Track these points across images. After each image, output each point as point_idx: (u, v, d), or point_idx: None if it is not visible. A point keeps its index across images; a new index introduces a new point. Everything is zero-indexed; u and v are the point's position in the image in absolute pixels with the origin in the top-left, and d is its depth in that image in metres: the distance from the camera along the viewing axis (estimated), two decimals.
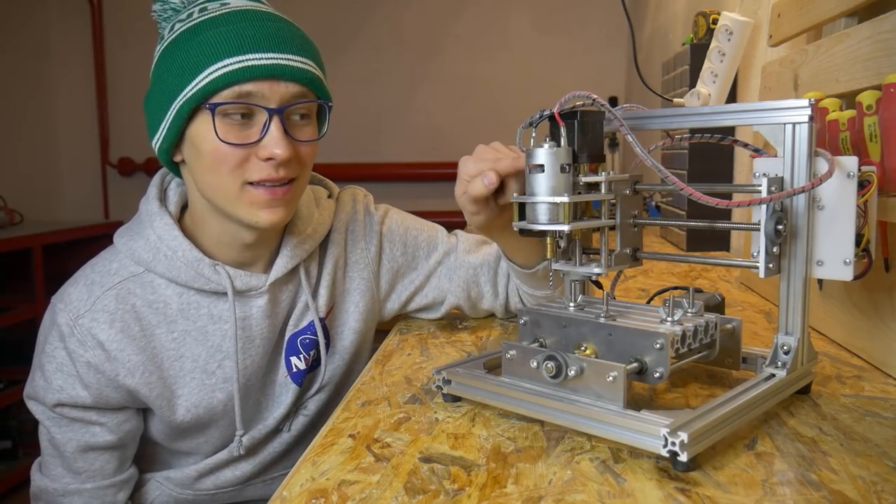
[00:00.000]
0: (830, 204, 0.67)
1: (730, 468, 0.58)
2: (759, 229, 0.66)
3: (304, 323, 0.99)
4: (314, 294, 1.00)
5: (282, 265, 0.95)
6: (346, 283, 1.04)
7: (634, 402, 0.68)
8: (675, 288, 0.85)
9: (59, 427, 0.92)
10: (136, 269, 0.91)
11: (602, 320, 0.68)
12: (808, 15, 1.07)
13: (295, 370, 1.00)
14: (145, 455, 1.02)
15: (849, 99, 0.86)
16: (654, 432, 0.57)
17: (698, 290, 0.75)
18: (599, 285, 0.82)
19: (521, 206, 0.70)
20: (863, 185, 0.68)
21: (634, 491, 0.54)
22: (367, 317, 1.05)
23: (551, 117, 0.68)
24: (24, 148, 3.65)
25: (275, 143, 0.83)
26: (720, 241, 1.72)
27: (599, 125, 0.72)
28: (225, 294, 0.92)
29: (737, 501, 0.52)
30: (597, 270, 0.71)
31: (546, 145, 0.67)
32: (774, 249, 0.67)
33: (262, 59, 0.82)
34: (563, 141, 0.67)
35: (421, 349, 0.96)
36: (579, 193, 0.69)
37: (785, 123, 0.66)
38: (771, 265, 0.67)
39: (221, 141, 0.82)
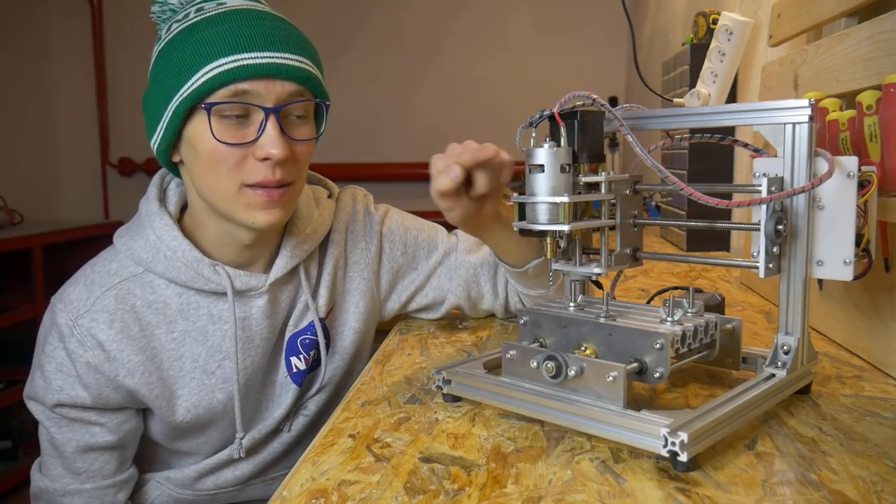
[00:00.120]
0: (830, 204, 0.67)
1: (730, 468, 0.58)
2: (759, 229, 0.66)
3: (304, 323, 0.99)
4: (314, 294, 1.00)
5: (281, 265, 0.95)
6: (347, 283, 1.04)
7: (634, 402, 0.68)
8: (675, 288, 0.85)
9: (58, 427, 0.92)
10: (135, 269, 0.91)
11: (602, 320, 0.68)
12: (808, 15, 1.07)
13: (295, 370, 1.00)
14: (145, 455, 1.02)
15: (849, 99, 0.86)
16: (654, 432, 0.57)
17: (698, 290, 0.75)
18: (599, 285, 0.82)
19: (521, 205, 0.70)
20: (863, 185, 0.68)
21: (634, 491, 0.54)
22: (368, 317, 1.05)
23: (551, 117, 0.68)
24: (24, 148, 3.65)
25: (271, 142, 0.82)
26: (720, 241, 1.72)
27: (599, 125, 0.72)
28: (225, 294, 0.92)
29: (737, 501, 0.52)
30: (597, 270, 0.71)
31: (546, 145, 0.67)
32: (774, 249, 0.67)
33: (258, 57, 0.81)
34: (563, 141, 0.67)
35: (421, 349, 0.96)
36: (579, 193, 0.69)
37: (785, 123, 0.66)
38: (771, 265, 0.67)
39: (218, 140, 0.82)
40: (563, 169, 0.67)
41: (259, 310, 0.94)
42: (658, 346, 0.63)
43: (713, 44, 1.51)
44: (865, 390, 0.76)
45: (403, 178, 3.81)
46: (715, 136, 0.79)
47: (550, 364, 0.65)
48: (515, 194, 0.71)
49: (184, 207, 0.96)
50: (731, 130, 1.30)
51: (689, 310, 0.71)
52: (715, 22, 1.62)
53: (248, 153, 0.83)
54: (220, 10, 0.84)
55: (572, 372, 0.64)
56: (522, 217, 0.70)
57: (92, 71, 3.92)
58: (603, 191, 0.70)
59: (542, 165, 0.67)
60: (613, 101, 2.94)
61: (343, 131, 3.64)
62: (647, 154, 0.66)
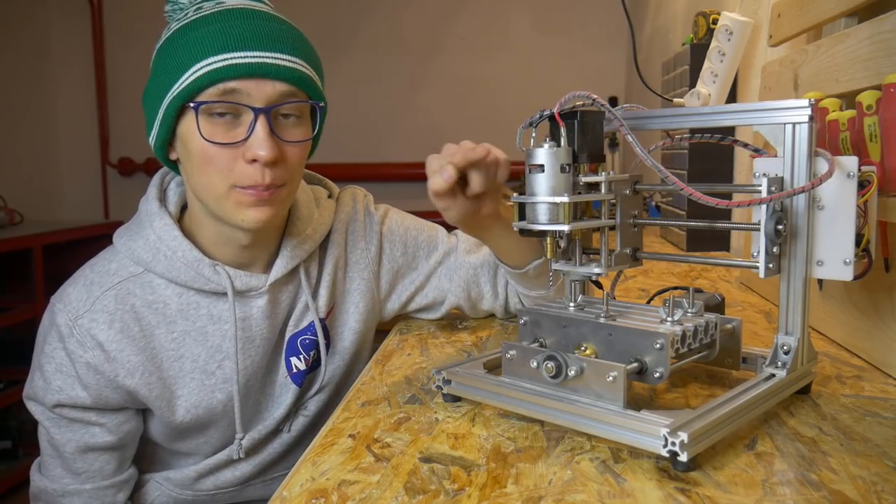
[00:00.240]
0: (830, 204, 0.67)
1: (730, 468, 0.58)
2: (759, 229, 0.66)
3: (305, 323, 0.99)
4: (314, 294, 1.00)
5: (281, 266, 0.95)
6: (347, 283, 1.04)
7: (634, 402, 0.68)
8: (675, 288, 0.85)
9: (58, 427, 0.92)
10: (135, 269, 0.91)
11: (602, 320, 0.68)
12: (808, 15, 1.07)
13: (295, 370, 1.00)
14: (145, 455, 1.02)
15: (849, 99, 0.86)
16: (654, 432, 0.57)
17: (698, 290, 0.75)
18: (599, 285, 0.82)
19: (521, 205, 0.70)
20: (863, 185, 0.68)
21: (634, 491, 0.54)
22: (368, 317, 1.05)
23: (551, 117, 0.68)
24: (24, 148, 3.65)
25: (259, 143, 0.81)
26: (720, 241, 1.72)
27: (599, 125, 0.72)
28: (225, 294, 0.92)
29: (737, 501, 0.52)
30: (597, 270, 0.71)
31: (546, 145, 0.67)
32: (774, 249, 0.67)
33: (248, 57, 0.81)
34: (563, 141, 0.67)
35: (421, 349, 0.96)
36: (579, 193, 0.69)
37: (785, 123, 0.66)
38: (771, 265, 0.67)
39: (206, 140, 0.81)
40: (563, 169, 0.67)
41: (259, 310, 0.94)
42: (658, 346, 0.63)
43: (713, 44, 1.51)
44: (865, 390, 0.76)
45: (403, 178, 3.81)
46: (715, 136, 0.79)
47: (550, 364, 0.65)
48: (515, 194, 0.71)
49: (184, 207, 0.96)
50: (731, 130, 1.30)
51: (689, 310, 0.71)
52: (715, 22, 1.62)
53: (238, 154, 0.83)
54: (216, 9, 0.84)
55: (572, 372, 0.64)
56: (522, 217, 0.70)
57: (92, 71, 3.92)
58: (603, 191, 0.70)
59: (542, 165, 0.67)
60: (613, 101, 2.95)
61: (343, 131, 3.64)
62: (647, 154, 0.66)
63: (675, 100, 1.58)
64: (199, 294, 0.92)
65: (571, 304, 0.73)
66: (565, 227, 0.67)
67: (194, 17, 0.84)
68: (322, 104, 0.89)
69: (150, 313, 0.90)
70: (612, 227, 0.72)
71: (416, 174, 3.80)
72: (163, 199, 0.95)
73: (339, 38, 3.80)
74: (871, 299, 0.84)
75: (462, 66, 3.82)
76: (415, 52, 3.85)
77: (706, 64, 1.51)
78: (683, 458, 0.55)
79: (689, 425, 0.57)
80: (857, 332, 0.88)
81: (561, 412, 0.64)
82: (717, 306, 0.79)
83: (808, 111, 0.65)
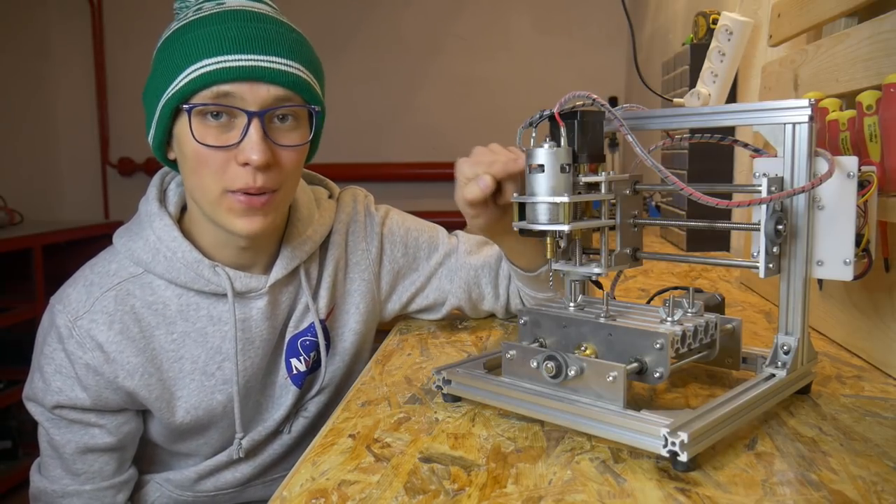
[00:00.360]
0: (830, 204, 0.67)
1: (730, 468, 0.58)
2: (759, 229, 0.66)
3: (305, 324, 0.99)
4: (314, 295, 0.99)
5: (281, 267, 0.94)
6: (347, 284, 1.04)
7: (634, 402, 0.68)
8: (675, 288, 0.85)
9: (58, 428, 0.92)
10: (135, 269, 0.91)
11: (602, 320, 0.68)
12: (808, 15, 1.07)
13: (295, 372, 0.99)
14: (145, 456, 1.02)
15: (849, 99, 0.86)
16: (654, 432, 0.57)
17: (698, 290, 0.75)
18: (599, 285, 0.82)
19: (521, 205, 0.70)
20: (863, 185, 0.68)
21: (634, 491, 0.54)
22: (368, 318, 1.05)
23: (551, 117, 0.68)
24: (24, 148, 3.65)
25: (252, 147, 0.81)
26: (720, 241, 1.72)
27: (599, 125, 0.72)
28: (224, 295, 0.92)
29: (737, 501, 0.52)
30: (597, 270, 0.71)
31: (546, 145, 0.67)
32: (774, 249, 0.67)
33: (242, 60, 0.80)
34: (563, 141, 0.67)
35: (421, 349, 0.96)
36: (579, 193, 0.69)
37: (785, 123, 0.66)
38: (771, 265, 0.67)
39: (198, 142, 0.81)
40: (563, 169, 0.67)
41: (259, 311, 0.94)
42: (658, 346, 0.63)
43: (713, 44, 1.51)
44: (865, 390, 0.76)
45: (403, 178, 3.81)
46: (715, 136, 0.79)
47: (550, 364, 0.65)
48: (516, 194, 0.71)
49: (184, 208, 0.96)
50: (731, 130, 1.30)
51: (689, 310, 0.71)
52: (715, 22, 1.62)
53: (230, 157, 0.82)
54: (215, 10, 0.84)
55: (572, 372, 0.64)
56: (523, 217, 0.70)
57: (92, 71, 3.92)
58: (603, 191, 0.70)
59: (542, 165, 0.67)
60: (613, 101, 2.95)
61: (343, 131, 3.64)
62: (647, 154, 0.66)
63: (675, 100, 1.58)
64: (198, 295, 0.92)
65: (571, 304, 0.73)
66: (565, 227, 0.67)
67: (193, 18, 0.84)
68: (318, 108, 0.88)
69: (149, 314, 0.90)
70: (612, 227, 0.72)
71: (416, 174, 3.80)
72: (163, 199, 0.95)
73: (338, 38, 3.80)
74: (871, 299, 0.84)
75: (462, 66, 3.83)
76: (415, 52, 3.85)
77: (706, 64, 1.51)
78: (683, 458, 0.55)
79: (689, 425, 0.57)
80: (857, 332, 0.88)
81: (561, 412, 0.64)
82: (717, 306, 0.79)
83: (808, 111, 0.65)
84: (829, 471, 0.57)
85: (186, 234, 0.92)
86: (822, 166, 0.65)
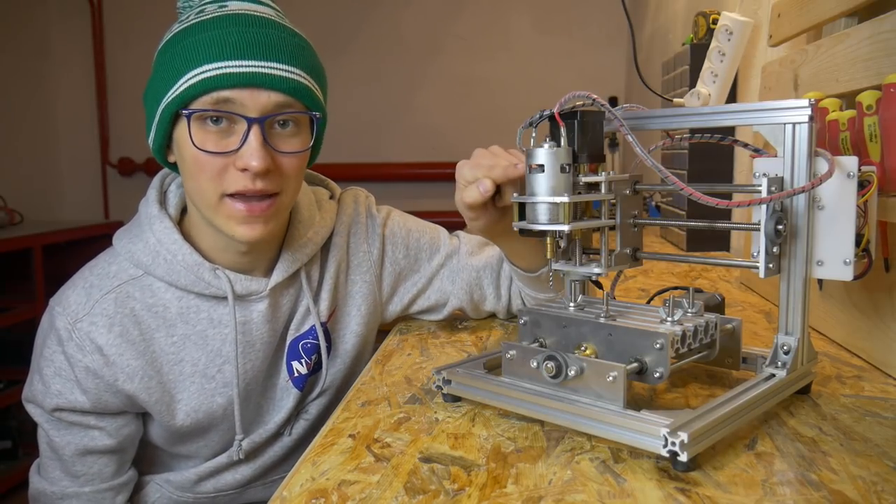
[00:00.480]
0: (830, 204, 0.67)
1: (730, 468, 0.58)
2: (759, 229, 0.66)
3: (306, 327, 0.99)
4: (316, 298, 0.99)
5: (282, 270, 0.94)
6: (349, 286, 1.03)
7: (634, 402, 0.68)
8: (675, 288, 0.85)
9: (57, 430, 0.92)
10: (135, 272, 0.90)
11: (602, 320, 0.68)
12: (808, 15, 1.07)
13: (296, 375, 0.99)
14: (145, 457, 1.02)
15: (849, 99, 0.86)
16: (654, 432, 0.57)
17: (698, 290, 0.75)
18: (599, 285, 0.82)
19: (521, 206, 0.70)
20: (863, 185, 0.68)
21: (634, 491, 0.54)
22: (369, 320, 1.05)
23: (551, 117, 0.68)
24: (24, 148, 3.65)
25: (251, 153, 0.80)
26: (720, 241, 1.72)
27: (599, 125, 0.72)
28: (225, 298, 0.91)
29: (737, 501, 0.52)
30: (597, 270, 0.71)
31: (546, 145, 0.67)
32: (774, 249, 0.67)
33: (242, 66, 0.80)
34: (563, 141, 0.67)
35: (421, 349, 0.96)
36: (579, 193, 0.69)
37: (785, 123, 0.66)
38: (771, 265, 0.67)
39: (197, 148, 0.81)
40: (563, 169, 0.67)
41: (260, 314, 0.93)
42: (658, 346, 0.63)
43: (713, 44, 1.51)
44: (865, 390, 0.76)
45: (403, 179, 3.81)
46: (715, 136, 0.79)
47: (550, 364, 0.65)
48: (516, 194, 0.71)
49: (184, 210, 0.95)
50: (731, 130, 1.30)
51: (689, 310, 0.71)
52: (715, 22, 1.62)
53: (229, 162, 0.82)
54: (217, 14, 0.83)
55: (572, 372, 0.64)
56: (523, 217, 0.70)
57: (92, 71, 3.92)
58: (603, 191, 0.70)
59: (542, 165, 0.67)
60: (613, 101, 2.95)
61: (343, 131, 3.64)
62: (647, 154, 0.66)
63: (675, 100, 1.58)
64: (199, 298, 0.91)
65: (571, 304, 0.73)
66: (565, 227, 0.67)
67: (195, 21, 0.83)
68: (319, 115, 0.87)
69: (149, 317, 0.90)
70: (612, 227, 0.72)
71: (416, 174, 3.80)
72: (163, 201, 0.94)
73: (339, 38, 3.80)
74: (871, 299, 0.84)
75: (462, 66, 3.83)
76: (415, 52, 3.85)
77: (706, 64, 1.51)
78: (683, 458, 0.55)
79: (689, 425, 0.57)
80: (857, 332, 0.88)
81: (561, 412, 0.64)
82: (717, 306, 0.79)
83: (808, 111, 0.65)
84: (829, 471, 0.57)
85: (186, 236, 0.92)
86: (822, 166, 0.65)
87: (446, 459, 0.61)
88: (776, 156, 0.68)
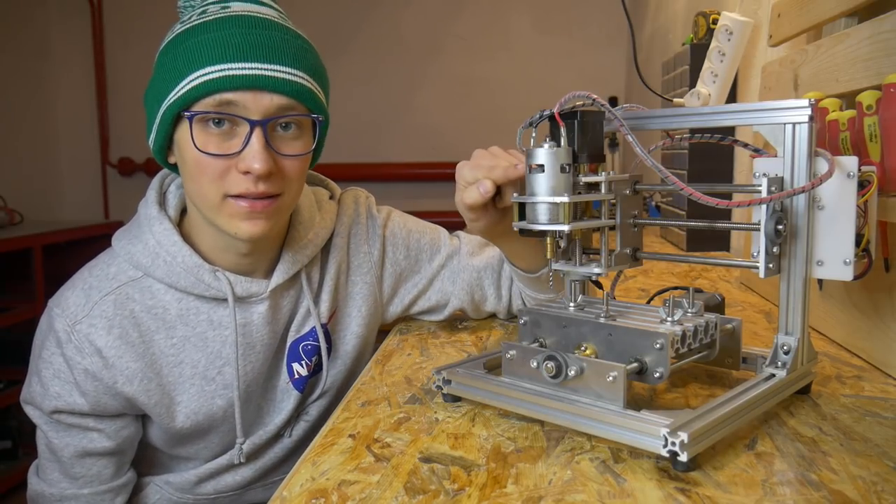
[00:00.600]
0: (830, 204, 0.67)
1: (730, 468, 0.58)
2: (759, 229, 0.66)
3: (306, 329, 0.98)
4: (316, 299, 0.99)
5: (283, 271, 0.94)
6: (349, 287, 1.03)
7: (634, 402, 0.68)
8: (675, 288, 0.85)
9: (56, 432, 0.92)
10: (134, 273, 0.90)
11: (602, 320, 0.68)
12: (808, 15, 1.07)
13: (296, 376, 0.99)
14: (144, 459, 1.02)
15: (849, 99, 0.86)
16: (654, 432, 0.57)
17: (698, 290, 0.75)
18: (599, 285, 0.82)
19: (521, 206, 0.70)
20: (863, 185, 0.68)
21: (634, 491, 0.54)
22: (370, 321, 1.05)
23: (551, 117, 0.68)
24: (24, 148, 3.65)
25: (253, 156, 0.80)
26: (720, 241, 1.72)
27: (599, 125, 0.72)
28: (225, 300, 0.91)
29: (737, 501, 0.52)
30: (597, 270, 0.71)
31: (546, 145, 0.67)
32: (774, 249, 0.67)
33: (245, 68, 0.79)
34: (563, 141, 0.67)
35: (421, 349, 0.96)
36: (579, 193, 0.69)
37: (785, 123, 0.66)
38: (771, 265, 0.67)
39: (199, 150, 0.81)
40: (563, 169, 0.67)
41: (260, 316, 0.93)
42: (658, 346, 0.63)
43: (713, 44, 1.51)
44: (865, 390, 0.76)
45: (403, 179, 3.81)
46: (715, 136, 0.79)
47: (550, 364, 0.65)
48: (516, 194, 0.71)
49: (183, 211, 0.95)
50: (731, 130, 1.31)
51: (689, 310, 0.71)
52: (715, 22, 1.62)
53: (231, 164, 0.81)
54: (219, 15, 0.82)
55: (572, 372, 0.64)
56: (523, 217, 0.70)
57: (92, 71, 3.92)
58: (603, 191, 0.70)
59: (542, 165, 0.67)
60: (613, 101, 2.95)
61: (343, 131, 3.63)
62: (647, 154, 0.66)
63: (675, 100, 1.58)
64: (199, 300, 0.91)
65: (571, 304, 0.73)
66: (565, 227, 0.67)
67: (197, 22, 0.83)
68: (321, 118, 0.87)
69: (149, 319, 0.90)
70: (612, 227, 0.72)
71: (415, 174, 3.80)
72: (162, 202, 0.94)
73: (339, 38, 3.80)
74: (871, 299, 0.84)
75: (462, 66, 3.83)
76: (415, 52, 3.85)
77: (706, 64, 1.51)
78: (683, 458, 0.55)
79: (689, 425, 0.57)
80: (857, 332, 0.88)
81: (561, 412, 0.64)
82: (717, 306, 0.79)
83: (808, 111, 0.65)
84: (829, 471, 0.57)
85: (186, 237, 0.91)
86: (822, 166, 0.65)
87: (446, 459, 0.61)
88: (776, 156, 0.68)
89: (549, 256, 0.71)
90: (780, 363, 0.69)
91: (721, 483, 0.55)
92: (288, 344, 0.98)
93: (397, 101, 3.88)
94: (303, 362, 0.99)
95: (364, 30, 3.84)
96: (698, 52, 1.64)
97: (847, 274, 0.67)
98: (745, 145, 0.79)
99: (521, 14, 3.79)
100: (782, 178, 0.67)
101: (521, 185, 0.82)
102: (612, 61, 3.69)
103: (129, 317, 0.89)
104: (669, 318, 0.67)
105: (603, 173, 0.70)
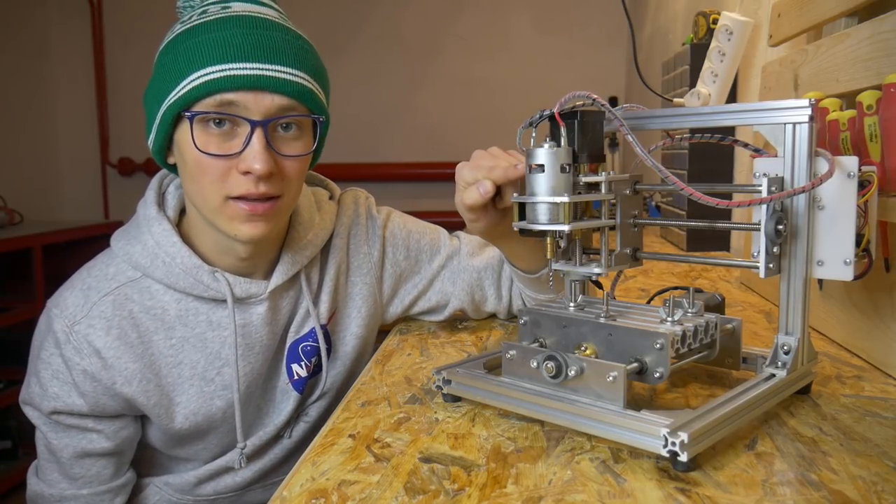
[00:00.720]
0: (831, 204, 0.67)
1: (730, 468, 0.58)
2: (759, 229, 0.66)
3: (306, 329, 0.98)
4: (316, 300, 0.99)
5: (282, 272, 0.93)
6: (349, 287, 1.03)
7: (634, 402, 0.68)
8: (675, 288, 0.85)
9: (55, 433, 0.91)
10: (133, 273, 0.90)
11: (602, 320, 0.68)
12: (808, 15, 1.07)
13: (296, 377, 0.99)
14: (144, 459, 1.02)
15: (849, 99, 0.86)
16: (654, 432, 0.57)
17: (698, 290, 0.75)
18: (599, 285, 0.82)
19: (521, 206, 0.70)
20: (863, 185, 0.68)
21: (634, 491, 0.54)
22: (370, 322, 1.04)
23: (551, 117, 0.68)
24: (24, 148, 3.65)
25: (254, 156, 0.80)
26: (720, 241, 1.72)
27: (599, 125, 0.72)
28: (224, 301, 0.91)
29: (737, 501, 0.52)
30: (597, 270, 0.71)
31: (546, 145, 0.67)
32: (774, 249, 0.67)
33: (246, 68, 0.79)
34: (563, 141, 0.67)
35: (421, 349, 0.96)
36: (579, 193, 0.69)
37: (785, 123, 0.66)
38: (771, 265, 0.67)
39: (199, 151, 0.80)
40: (563, 169, 0.67)
41: (259, 317, 0.93)
42: (658, 346, 0.63)
43: (713, 44, 1.51)
44: (865, 390, 0.76)
45: (402, 179, 3.81)
46: (715, 136, 0.79)
47: (550, 364, 0.65)
48: (516, 194, 0.71)
49: (182, 211, 0.95)
50: (731, 130, 1.30)
51: (689, 310, 0.71)
52: (715, 22, 1.62)
53: (232, 165, 0.81)
54: (220, 16, 0.82)
55: (572, 372, 0.63)
56: (523, 217, 0.70)
57: (92, 71, 3.92)
58: (603, 191, 0.70)
59: (542, 165, 0.67)
60: (613, 101, 2.95)
61: (342, 131, 3.63)
62: (647, 154, 0.66)
63: (675, 100, 1.58)
64: (198, 300, 0.91)
65: (571, 304, 0.73)
66: (565, 227, 0.67)
67: (197, 22, 0.83)
68: (322, 118, 0.87)
69: (148, 319, 0.89)
70: (612, 227, 0.72)
71: (415, 174, 3.80)
72: (161, 202, 0.94)
73: (339, 38, 3.80)
74: (871, 299, 0.84)
75: (462, 66, 3.83)
76: (415, 52, 3.85)
77: (706, 64, 1.52)
78: (683, 458, 0.55)
79: (689, 425, 0.57)
80: (857, 332, 0.88)
81: (561, 412, 0.64)
82: (717, 306, 0.79)
83: (809, 111, 0.65)
84: (829, 471, 0.57)
85: (185, 238, 0.91)
86: (823, 166, 0.65)
87: (446, 459, 0.60)
88: (776, 156, 0.68)
89: (549, 256, 0.71)
90: (780, 363, 0.69)
91: (721, 483, 0.55)
92: (287, 345, 0.98)
93: (397, 101, 3.88)
94: (302, 363, 0.99)
95: (364, 30, 3.84)
96: (698, 52, 1.65)
97: (847, 274, 0.67)
98: (746, 145, 0.79)
99: (521, 14, 3.79)
100: (782, 178, 0.67)
101: (521, 185, 0.82)
102: (612, 61, 3.69)
103: (127, 317, 0.88)
104: (669, 318, 0.67)
105: (603, 173, 0.70)
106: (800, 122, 0.65)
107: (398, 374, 0.85)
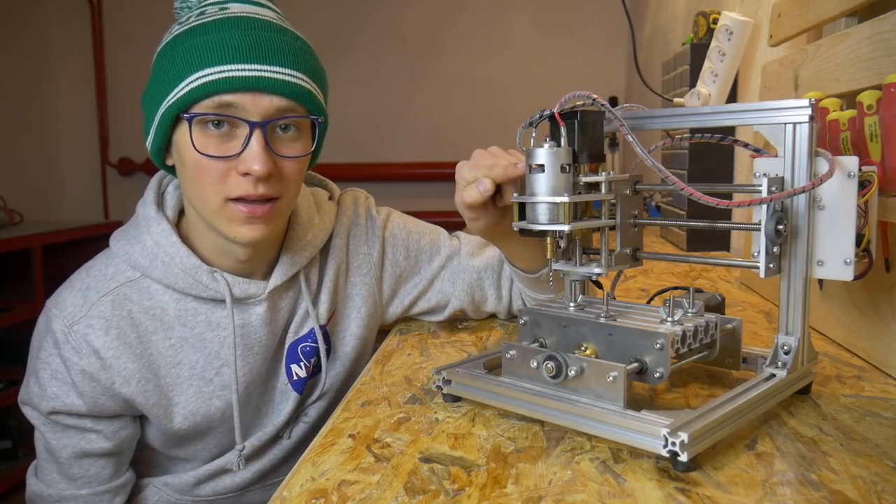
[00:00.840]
0: (831, 204, 0.67)
1: (730, 468, 0.58)
2: (759, 229, 0.65)
3: (305, 330, 0.98)
4: (315, 300, 0.99)
5: (281, 273, 0.93)
6: (348, 288, 1.03)
7: (634, 402, 0.68)
8: (676, 288, 0.85)
9: (54, 433, 0.91)
10: (132, 274, 0.90)
11: (602, 320, 0.68)
12: (808, 15, 1.07)
13: (295, 378, 0.99)
14: (143, 460, 1.02)
15: (849, 99, 0.86)
16: (655, 432, 0.57)
17: (698, 290, 0.75)
18: (599, 285, 0.82)
19: (521, 206, 0.70)
20: (863, 185, 0.68)
21: (634, 491, 0.54)
22: (369, 322, 1.04)
23: (551, 117, 0.68)
24: (24, 148, 3.65)
25: (253, 157, 0.80)
26: (720, 241, 1.72)
27: (599, 125, 0.72)
28: (223, 301, 0.91)
29: (737, 501, 0.52)
30: (597, 270, 0.71)
31: (546, 145, 0.67)
32: (775, 249, 0.67)
33: (245, 70, 0.79)
34: (563, 141, 0.67)
35: (421, 349, 0.96)
36: (579, 193, 0.69)
37: (785, 123, 0.66)
38: (771, 265, 0.67)
39: (198, 152, 0.80)
40: (563, 169, 0.67)
41: (258, 317, 0.93)
42: (658, 346, 0.63)
43: (713, 44, 1.51)
44: (865, 390, 0.76)
45: (403, 178, 3.81)
46: (715, 136, 0.79)
47: (550, 364, 0.65)
48: (516, 194, 0.71)
49: (181, 211, 0.94)
50: (731, 130, 1.30)
51: (690, 310, 0.71)
52: (715, 22, 1.62)
53: (231, 167, 0.81)
54: (218, 17, 0.82)
55: (572, 372, 0.63)
56: (523, 217, 0.70)
57: (92, 71, 3.92)
58: (603, 191, 0.70)
59: (542, 165, 0.67)
60: (613, 101, 2.94)
61: (343, 131, 3.64)
62: (647, 154, 0.66)
63: (675, 100, 1.58)
64: (197, 300, 0.91)
65: (571, 304, 0.73)
66: (565, 227, 0.67)
67: (196, 23, 0.82)
68: (321, 119, 0.87)
69: (147, 319, 0.89)
70: (613, 227, 0.72)
71: (415, 174, 3.80)
72: (160, 203, 0.94)
73: (339, 38, 3.80)
74: (871, 299, 0.84)
75: (462, 66, 3.83)
76: (415, 52, 3.85)
77: (706, 64, 1.52)
78: (683, 458, 0.55)
79: (689, 425, 0.57)
80: (857, 332, 0.88)
81: (561, 412, 0.64)
82: (718, 306, 0.79)
83: (809, 111, 0.65)
84: (829, 471, 0.57)
85: (184, 238, 0.91)
86: (823, 166, 0.65)
87: (446, 459, 0.60)
88: (776, 156, 0.68)
89: (549, 256, 0.71)
90: (780, 363, 0.69)
91: (721, 483, 0.55)
92: (286, 345, 0.98)
93: (397, 101, 3.88)
94: (301, 364, 0.98)
95: (364, 30, 3.84)
96: (698, 52, 1.65)
97: (847, 274, 0.67)
98: (746, 145, 0.79)
99: (521, 14, 3.79)
100: (783, 178, 0.67)
101: (521, 184, 0.82)
102: (612, 61, 3.69)
103: (126, 317, 0.88)
104: (669, 318, 0.67)
105: (603, 173, 0.70)
106: (800, 122, 0.65)
107: (398, 374, 0.85)
